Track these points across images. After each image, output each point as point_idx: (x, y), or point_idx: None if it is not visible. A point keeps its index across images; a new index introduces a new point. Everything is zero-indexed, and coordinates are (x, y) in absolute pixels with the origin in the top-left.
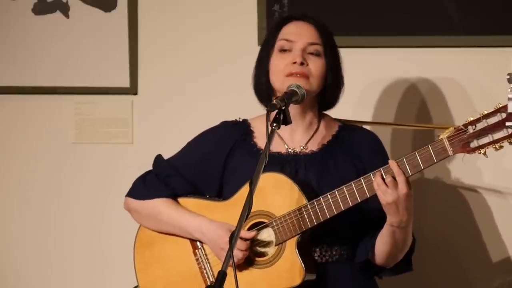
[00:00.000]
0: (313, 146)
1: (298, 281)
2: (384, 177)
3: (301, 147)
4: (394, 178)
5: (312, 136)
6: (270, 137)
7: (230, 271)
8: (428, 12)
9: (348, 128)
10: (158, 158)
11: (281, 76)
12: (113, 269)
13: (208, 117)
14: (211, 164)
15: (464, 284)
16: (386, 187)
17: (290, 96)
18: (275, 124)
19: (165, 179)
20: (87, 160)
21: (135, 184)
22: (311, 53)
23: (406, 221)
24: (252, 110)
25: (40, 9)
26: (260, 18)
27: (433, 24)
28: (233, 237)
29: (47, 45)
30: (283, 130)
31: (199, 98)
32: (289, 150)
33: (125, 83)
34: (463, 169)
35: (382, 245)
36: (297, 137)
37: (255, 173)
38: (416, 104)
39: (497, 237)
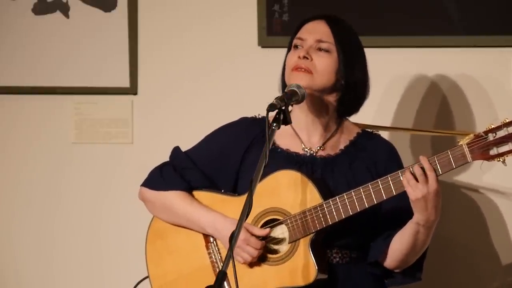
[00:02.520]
0: (330, 150)
1: (310, 279)
2: (413, 172)
3: (318, 148)
4: (424, 173)
5: (329, 139)
6: (270, 137)
7: (240, 269)
8: (428, 12)
9: (367, 135)
10: (176, 150)
11: (288, 70)
12: (112, 269)
13: (208, 117)
14: (228, 159)
15: (469, 283)
16: (417, 182)
17: (290, 96)
18: (275, 124)
19: (182, 171)
20: (87, 160)
21: (152, 174)
22: (321, 49)
23: (433, 221)
24: (252, 110)
25: (40, 9)
26: (260, 18)
27: (433, 24)
28: (233, 237)
29: (47, 45)
30: (301, 131)
31: (199, 98)
32: (306, 150)
33: (125, 83)
34: (468, 169)
35: (400, 244)
36: (314, 139)
37: (255, 172)
38: (417, 104)
39: (504, 237)
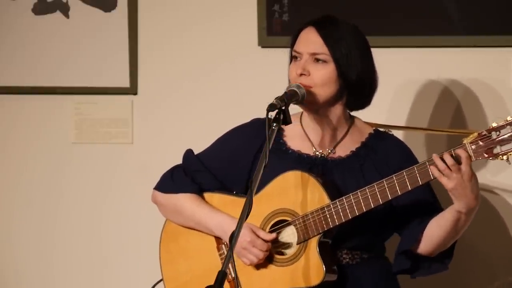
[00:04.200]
0: (341, 152)
1: (318, 280)
2: (446, 161)
3: (329, 151)
4: (455, 161)
5: (341, 140)
6: (270, 137)
7: (248, 270)
8: (428, 12)
9: (379, 136)
10: (188, 152)
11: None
12: (112, 269)
13: (208, 117)
14: (240, 161)
15: (470, 282)
16: (451, 171)
17: (290, 96)
18: (275, 124)
19: (193, 174)
20: (87, 160)
21: (163, 177)
22: (318, 60)
23: (474, 207)
24: (252, 110)
25: (40, 9)
26: (260, 18)
27: (433, 24)
28: (233, 237)
29: (47, 45)
30: (312, 132)
31: (199, 98)
32: (317, 153)
33: (125, 83)
34: (481, 169)
35: (438, 231)
36: (325, 140)
37: (255, 172)
38: (416, 104)
39: (505, 236)
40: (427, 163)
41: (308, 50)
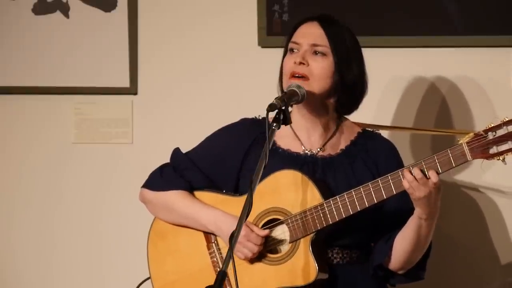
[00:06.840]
0: (331, 150)
1: (310, 279)
2: (413, 173)
3: (318, 149)
4: (423, 174)
5: (330, 139)
6: (270, 137)
7: (240, 268)
8: (428, 12)
9: (367, 135)
10: (176, 151)
11: (286, 77)
12: (112, 269)
13: (208, 117)
14: (229, 160)
15: (469, 283)
16: (418, 183)
17: (290, 96)
18: (275, 124)
19: (182, 172)
20: (87, 160)
21: (152, 175)
22: (316, 53)
23: (434, 214)
24: (252, 110)
25: (40, 9)
26: (260, 18)
27: (433, 24)
28: (233, 237)
29: (47, 45)
30: (301, 132)
31: (199, 98)
32: (306, 151)
33: (125, 83)
34: (468, 168)
35: (402, 242)
36: (314, 139)
37: (255, 172)
38: (416, 104)
39: (504, 237)
40: (399, 172)
41: (308, 41)
